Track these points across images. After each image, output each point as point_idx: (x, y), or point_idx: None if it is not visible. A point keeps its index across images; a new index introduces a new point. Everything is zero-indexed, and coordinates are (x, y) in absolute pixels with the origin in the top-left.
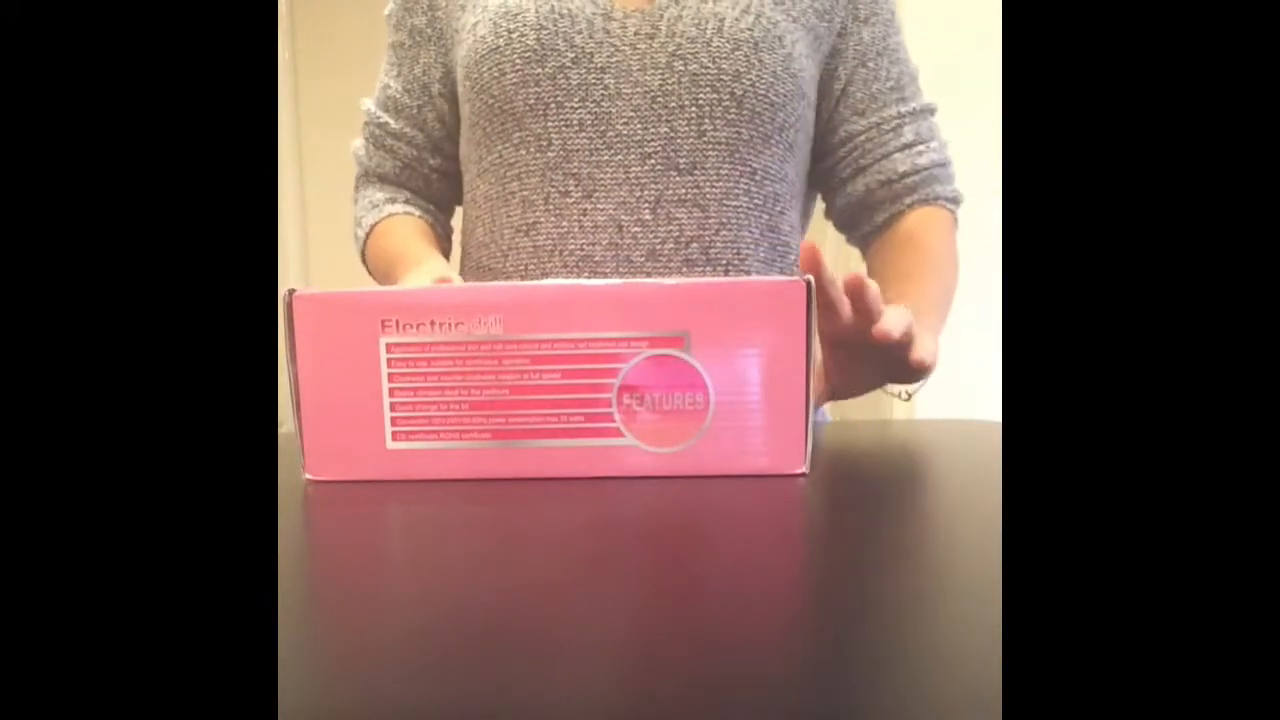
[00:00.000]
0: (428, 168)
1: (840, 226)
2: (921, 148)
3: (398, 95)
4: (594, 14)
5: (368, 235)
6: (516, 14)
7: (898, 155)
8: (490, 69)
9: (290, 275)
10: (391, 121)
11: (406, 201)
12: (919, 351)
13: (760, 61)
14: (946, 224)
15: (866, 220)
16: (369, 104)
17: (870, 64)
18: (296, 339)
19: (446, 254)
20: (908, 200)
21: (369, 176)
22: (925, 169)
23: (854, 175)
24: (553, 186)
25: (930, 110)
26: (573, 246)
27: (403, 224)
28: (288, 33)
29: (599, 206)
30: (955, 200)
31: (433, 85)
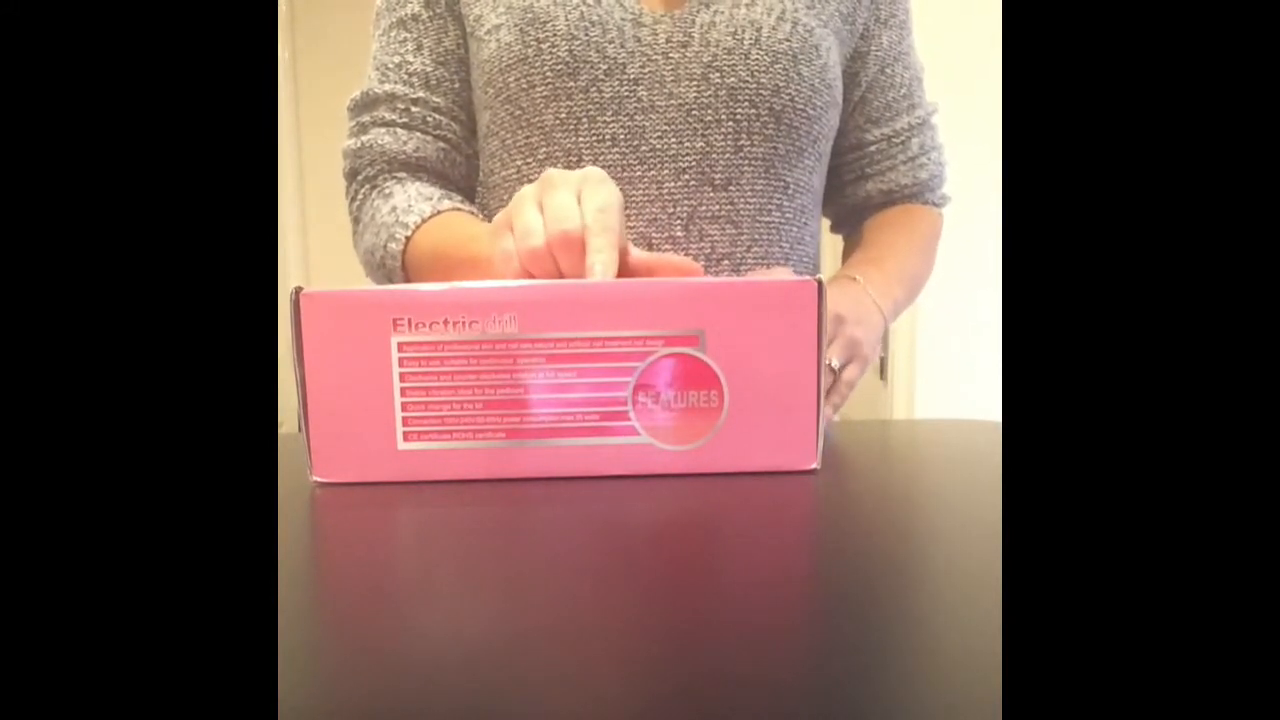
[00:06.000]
0: (463, 155)
1: (825, 214)
2: (924, 159)
3: (428, 69)
4: (624, 19)
5: (417, 227)
6: (545, 22)
7: (902, 167)
8: (518, 80)
9: (290, 275)
10: (432, 97)
11: (462, 202)
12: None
13: (799, 75)
14: (930, 218)
15: (853, 217)
16: (387, 86)
17: (888, 70)
18: (304, 338)
19: None
20: (899, 204)
21: (396, 166)
22: (924, 181)
23: (856, 180)
24: None
25: (932, 114)
26: None
27: (469, 218)
28: (288, 33)
29: (629, 225)
30: (942, 203)
31: (464, 62)
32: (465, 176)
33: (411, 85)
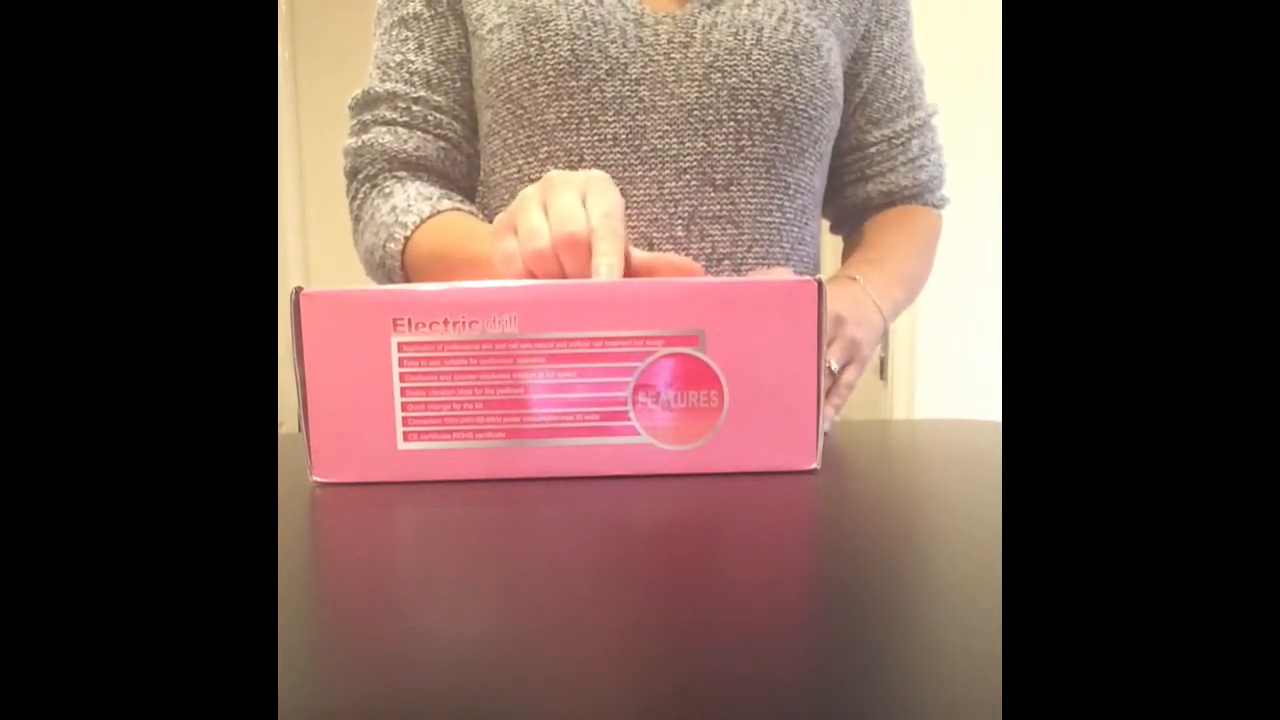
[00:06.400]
0: (464, 155)
1: (825, 214)
2: (924, 161)
3: (429, 68)
4: (626, 20)
5: (416, 228)
6: (548, 21)
7: (902, 169)
8: (520, 79)
9: (290, 275)
10: (433, 96)
11: (463, 202)
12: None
13: (800, 75)
14: (929, 219)
15: (853, 218)
16: (387, 85)
17: (889, 71)
18: (304, 338)
19: None
20: (899, 205)
21: (397, 165)
22: (924, 183)
23: (856, 182)
24: None
25: (932, 115)
26: None
27: (468, 218)
28: (288, 33)
29: (630, 225)
30: (941, 204)
31: (465, 61)
32: (466, 175)
33: (413, 84)
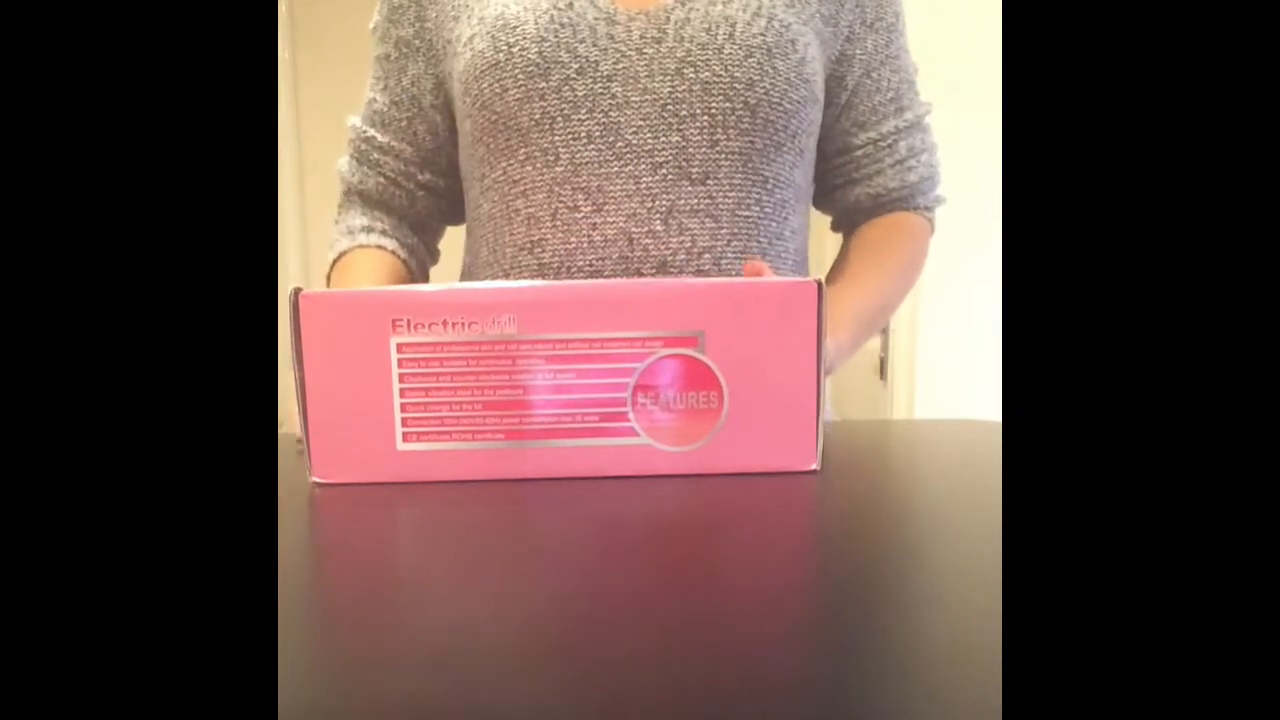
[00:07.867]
0: (414, 183)
1: (824, 213)
2: (913, 162)
3: (384, 109)
4: (596, 19)
5: (335, 261)
6: (515, 26)
7: (890, 171)
8: (491, 85)
9: (290, 275)
10: (378, 135)
11: (384, 233)
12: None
13: (774, 69)
14: (919, 230)
15: (847, 221)
16: (355, 120)
17: (874, 74)
18: (303, 339)
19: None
20: (889, 210)
21: (351, 195)
22: (913, 184)
23: (845, 185)
24: (560, 201)
25: (924, 116)
26: (581, 263)
27: (370, 259)
28: (288, 33)
29: (609, 220)
30: (932, 208)
31: (423, 97)
32: (407, 205)
33: (372, 122)
